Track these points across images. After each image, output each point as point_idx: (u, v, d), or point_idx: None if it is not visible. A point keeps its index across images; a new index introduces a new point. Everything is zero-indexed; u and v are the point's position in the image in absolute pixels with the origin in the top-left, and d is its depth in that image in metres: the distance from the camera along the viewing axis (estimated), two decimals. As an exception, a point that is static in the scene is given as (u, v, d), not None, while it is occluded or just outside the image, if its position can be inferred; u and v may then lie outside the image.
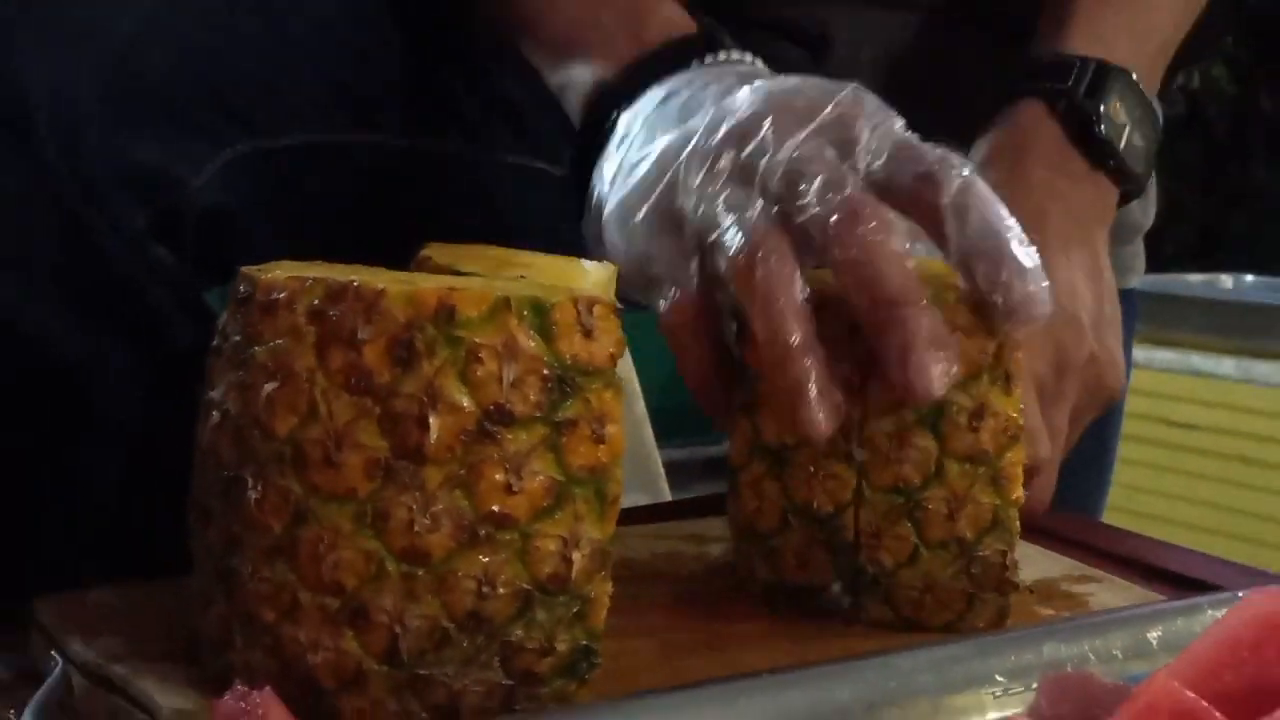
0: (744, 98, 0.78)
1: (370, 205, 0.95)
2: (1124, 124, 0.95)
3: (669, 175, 0.77)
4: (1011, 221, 0.73)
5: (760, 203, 0.74)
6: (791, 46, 1.06)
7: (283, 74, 0.91)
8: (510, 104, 1.01)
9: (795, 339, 0.71)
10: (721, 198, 0.75)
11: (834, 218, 0.72)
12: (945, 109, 1.03)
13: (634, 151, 0.81)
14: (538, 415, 0.62)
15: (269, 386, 0.62)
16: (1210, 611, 0.61)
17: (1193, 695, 0.48)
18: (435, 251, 0.76)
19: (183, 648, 0.66)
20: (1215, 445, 3.18)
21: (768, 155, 0.74)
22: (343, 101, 0.94)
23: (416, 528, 0.61)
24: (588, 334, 0.64)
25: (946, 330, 0.72)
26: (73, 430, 0.85)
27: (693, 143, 0.77)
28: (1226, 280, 3.47)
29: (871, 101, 0.77)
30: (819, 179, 0.73)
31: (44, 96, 0.80)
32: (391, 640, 0.62)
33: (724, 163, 0.76)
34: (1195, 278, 3.48)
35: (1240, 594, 0.54)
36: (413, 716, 0.62)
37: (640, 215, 0.79)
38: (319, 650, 0.62)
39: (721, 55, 0.85)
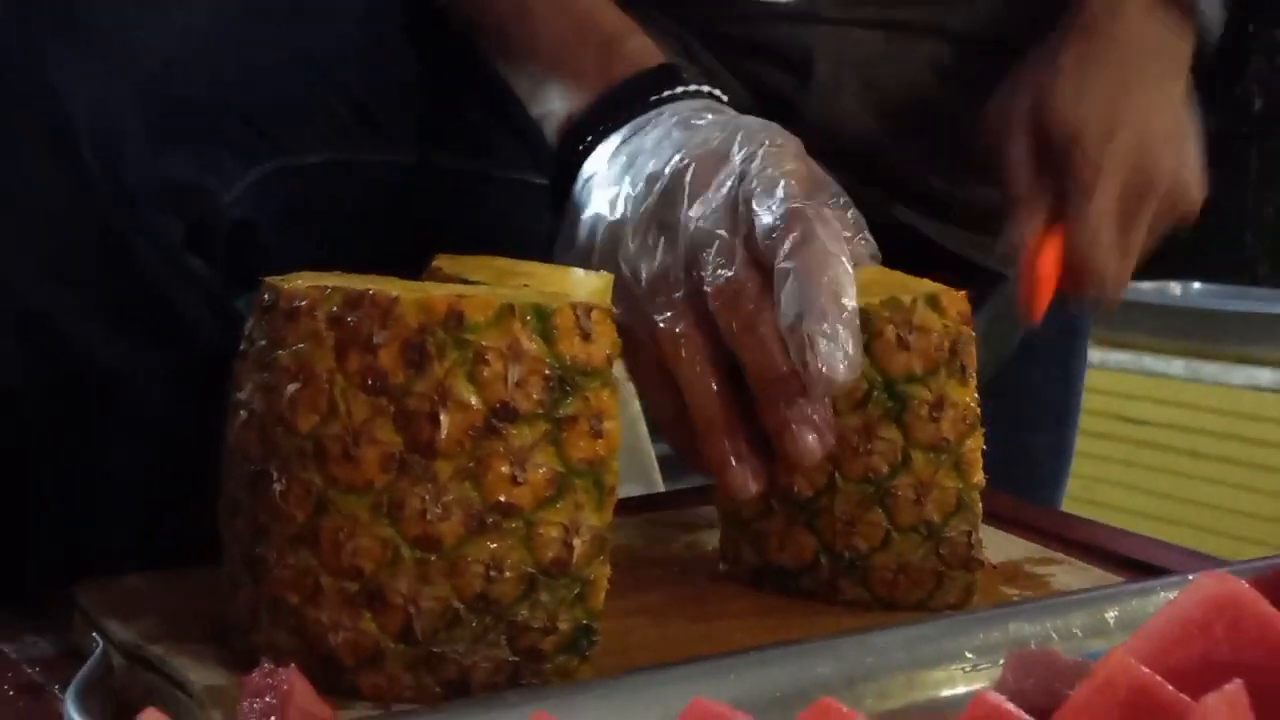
0: (672, 153, 0.78)
1: (385, 218, 0.96)
2: None
3: (612, 241, 0.79)
4: (824, 288, 0.70)
5: (679, 277, 0.75)
6: (775, 70, 1.06)
7: (307, 96, 0.91)
8: (514, 120, 1.01)
9: (712, 418, 0.73)
10: (646, 270, 0.77)
11: (719, 297, 0.73)
12: (925, 127, 1.03)
13: (589, 206, 0.81)
14: (540, 412, 0.62)
15: (292, 387, 0.62)
16: (1163, 593, 0.61)
17: (1147, 670, 0.48)
18: (445, 262, 0.76)
19: (213, 629, 0.66)
20: (1166, 440, 3.18)
21: (680, 225, 0.75)
22: (362, 121, 0.94)
23: (429, 516, 0.61)
24: (586, 337, 0.64)
25: (820, 405, 0.72)
26: (110, 427, 0.85)
27: (627, 214, 0.78)
28: (1175, 287, 3.47)
29: (770, 150, 0.76)
30: (713, 250, 0.74)
31: (86, 116, 0.80)
32: (406, 621, 0.62)
33: (650, 236, 0.77)
34: (1147, 284, 3.47)
35: (1190, 577, 0.55)
36: (426, 690, 0.63)
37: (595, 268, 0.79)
38: (339, 630, 0.62)
39: (679, 89, 0.84)
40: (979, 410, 0.76)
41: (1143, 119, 0.92)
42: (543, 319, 0.63)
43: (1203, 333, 3.19)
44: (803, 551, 0.77)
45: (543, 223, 1.00)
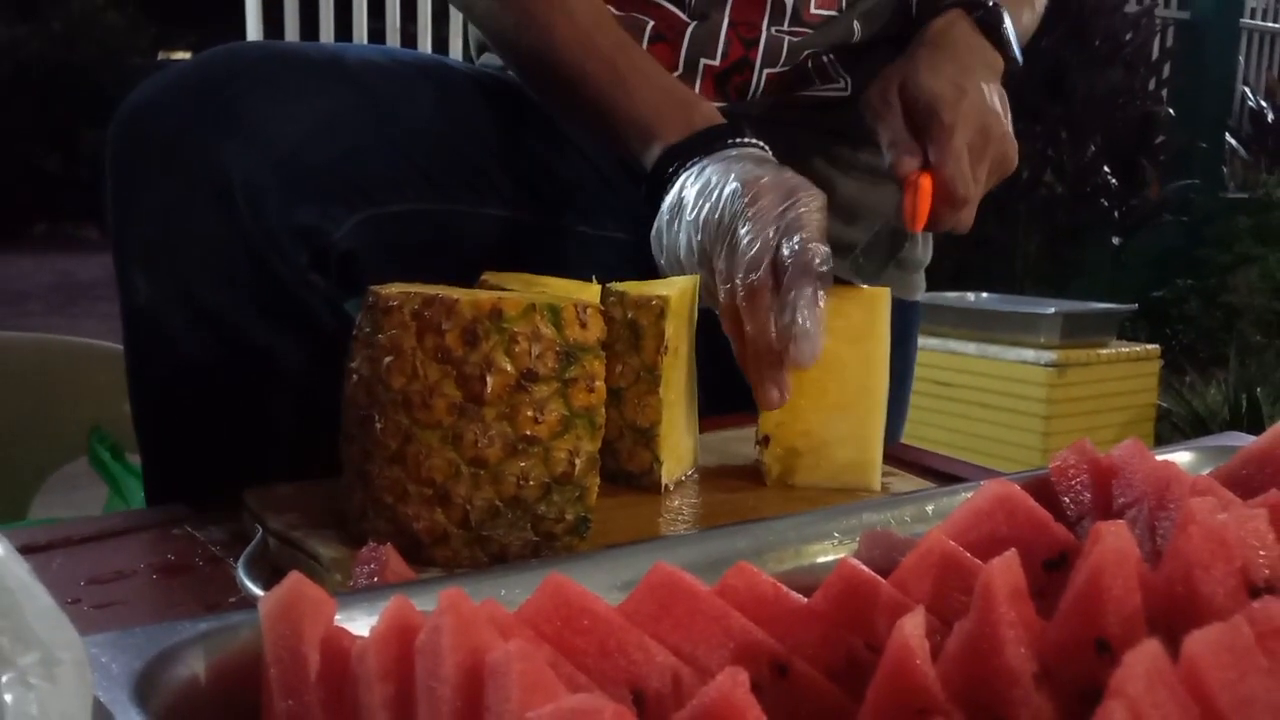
0: (738, 182, 0.78)
1: (447, 247, 0.95)
2: (1008, 31, 0.97)
3: (699, 235, 0.79)
4: (803, 308, 0.73)
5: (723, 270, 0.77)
6: None
7: (393, 163, 0.90)
8: (531, 177, 1.00)
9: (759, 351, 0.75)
10: (691, 258, 0.80)
11: (746, 290, 0.75)
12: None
13: (684, 209, 0.81)
14: (553, 375, 0.62)
15: (387, 359, 0.62)
16: (963, 494, 0.61)
17: (954, 544, 0.48)
18: (490, 276, 0.76)
19: (336, 520, 0.66)
20: (965, 396, 3.21)
21: (737, 238, 0.76)
22: (430, 183, 0.93)
23: (479, 444, 0.61)
24: (583, 325, 0.64)
25: (785, 373, 0.76)
26: (264, 388, 0.85)
27: (713, 215, 0.78)
28: (970, 295, 3.49)
29: (804, 199, 0.77)
30: (750, 258, 0.75)
31: (241, 182, 0.79)
32: (465, 514, 0.62)
33: (706, 235, 0.78)
34: (952, 294, 3.49)
35: (980, 483, 0.55)
36: (478, 560, 0.63)
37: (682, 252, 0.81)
38: (420, 520, 0.62)
39: (741, 139, 0.84)
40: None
41: (979, 93, 0.90)
42: (555, 313, 0.62)
43: (988, 326, 3.22)
44: (642, 463, 0.77)
45: (556, 252, 1.00)
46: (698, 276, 0.80)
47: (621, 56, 0.88)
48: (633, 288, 0.77)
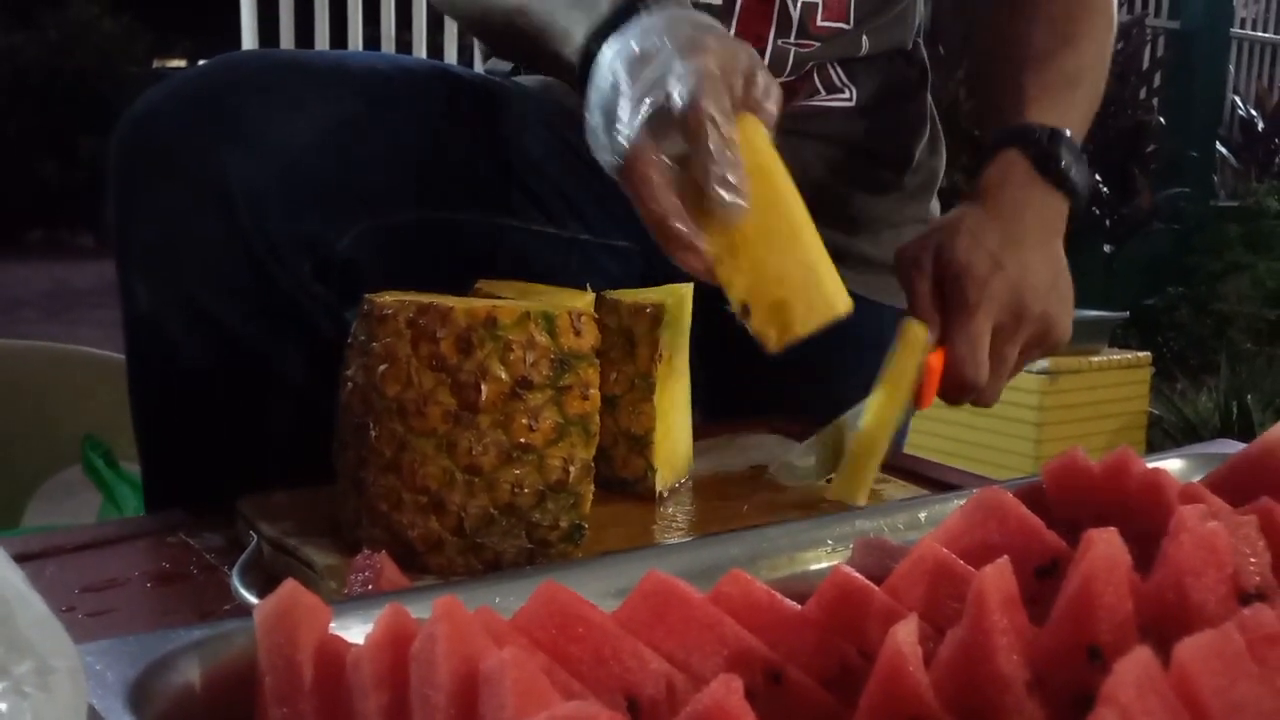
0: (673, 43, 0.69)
1: (448, 256, 0.95)
2: (1069, 162, 0.90)
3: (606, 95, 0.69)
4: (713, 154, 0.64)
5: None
6: None
7: (396, 172, 0.90)
8: (535, 185, 1.00)
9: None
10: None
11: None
12: (819, 205, 0.96)
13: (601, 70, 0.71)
14: (547, 383, 0.62)
15: (382, 366, 0.62)
16: (955, 501, 0.62)
17: (946, 551, 0.48)
18: (484, 284, 0.76)
19: (331, 528, 0.66)
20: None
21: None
22: (431, 192, 0.93)
23: (474, 452, 0.61)
24: (578, 333, 0.64)
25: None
26: (264, 395, 0.85)
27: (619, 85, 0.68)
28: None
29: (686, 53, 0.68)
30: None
31: (243, 190, 0.79)
32: (459, 521, 0.62)
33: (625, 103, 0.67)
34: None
35: (973, 490, 0.55)
36: (472, 568, 0.63)
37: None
38: (414, 528, 0.62)
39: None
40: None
41: (1020, 268, 0.84)
42: (549, 321, 0.62)
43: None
44: (636, 470, 0.77)
45: (545, 258, 1.00)
46: (692, 285, 0.77)
47: None
48: (627, 295, 0.77)
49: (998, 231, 0.86)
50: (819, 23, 1.01)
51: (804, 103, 1.05)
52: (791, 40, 1.01)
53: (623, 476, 0.78)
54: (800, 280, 0.69)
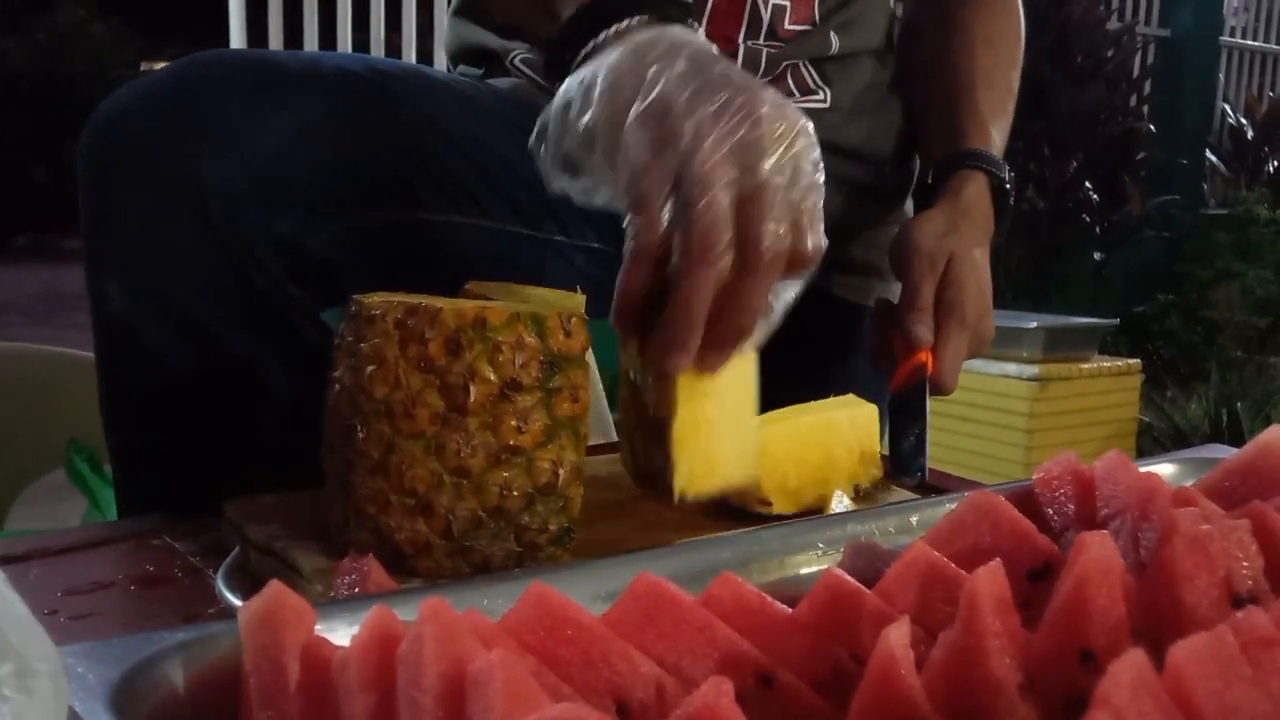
0: (688, 63, 0.63)
1: (425, 258, 0.95)
2: (1011, 194, 1.01)
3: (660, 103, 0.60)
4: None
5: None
6: None
7: (370, 173, 0.90)
8: (509, 186, 1.00)
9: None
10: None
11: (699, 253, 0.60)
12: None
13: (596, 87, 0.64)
14: (537, 385, 0.62)
15: (370, 368, 0.61)
16: (947, 505, 0.61)
17: (937, 554, 0.48)
18: (474, 286, 0.75)
19: (318, 531, 0.66)
20: (948, 409, 3.21)
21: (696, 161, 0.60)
22: (407, 193, 0.93)
23: (462, 454, 0.60)
24: (568, 335, 0.63)
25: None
26: (245, 398, 0.84)
27: (644, 101, 0.61)
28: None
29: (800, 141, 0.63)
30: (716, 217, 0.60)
31: (219, 192, 0.79)
32: (447, 524, 0.61)
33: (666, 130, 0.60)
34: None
35: (964, 494, 0.55)
36: (460, 571, 0.62)
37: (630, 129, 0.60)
38: (402, 531, 0.61)
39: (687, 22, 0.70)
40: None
41: (990, 290, 0.94)
42: (539, 323, 0.62)
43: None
44: (654, 462, 0.67)
45: (526, 260, 0.99)
46: None
47: None
48: None
49: (983, 254, 0.95)
50: (786, 25, 1.02)
51: None
52: (761, 42, 1.01)
53: (646, 469, 0.68)
54: (721, 449, 0.66)
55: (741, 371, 0.66)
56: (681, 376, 0.62)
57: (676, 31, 0.67)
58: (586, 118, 0.63)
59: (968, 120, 1.03)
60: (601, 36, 0.67)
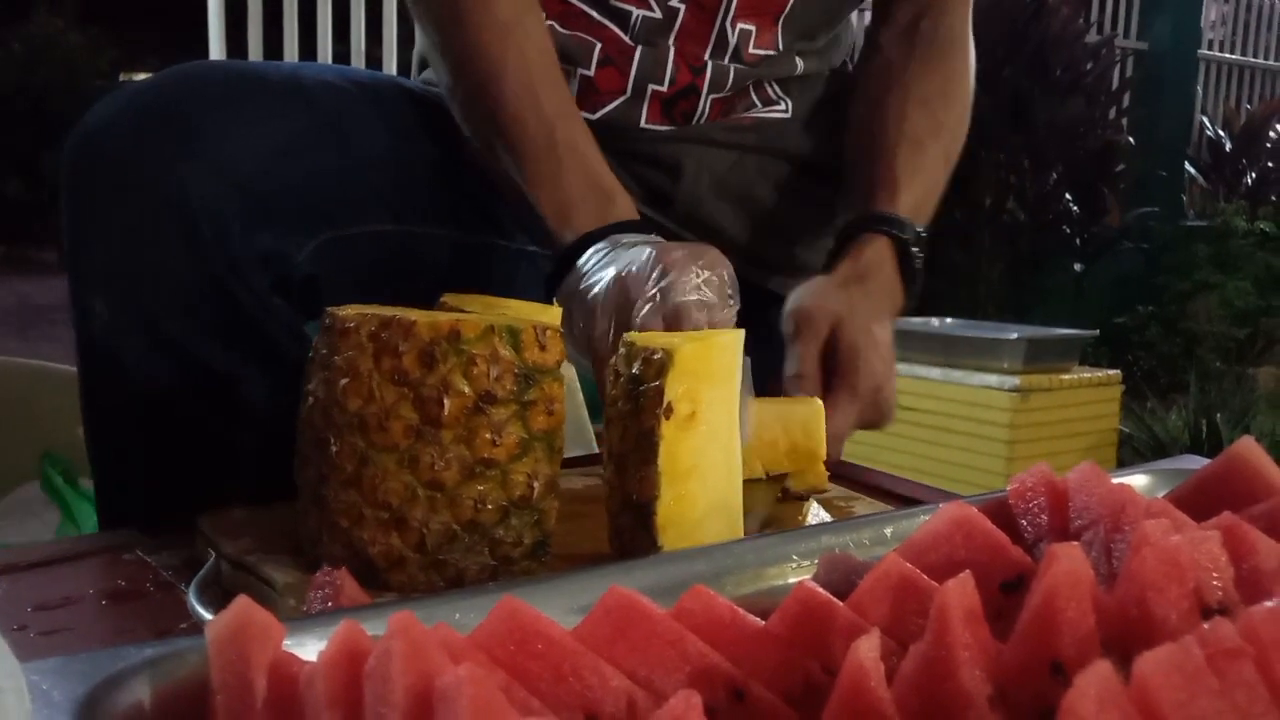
0: (650, 249, 0.78)
1: (405, 269, 0.95)
2: (921, 265, 0.97)
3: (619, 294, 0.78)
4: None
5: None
6: (656, 171, 1.06)
7: (352, 186, 0.90)
8: (483, 198, 1.01)
9: None
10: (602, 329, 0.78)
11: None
12: (758, 216, 1.02)
13: (592, 274, 0.81)
14: (512, 398, 0.62)
15: (344, 381, 0.61)
16: (921, 516, 0.61)
17: (911, 566, 0.48)
18: (449, 298, 0.75)
19: (290, 544, 0.65)
20: (927, 420, 3.22)
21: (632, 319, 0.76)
22: (388, 205, 0.93)
23: (436, 467, 0.60)
24: (543, 348, 0.63)
25: None
26: (223, 413, 0.84)
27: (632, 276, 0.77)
28: (935, 320, 3.51)
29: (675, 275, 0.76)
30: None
31: (202, 206, 0.79)
32: (421, 538, 0.61)
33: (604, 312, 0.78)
34: (916, 319, 3.52)
35: (939, 505, 0.55)
36: (434, 585, 0.62)
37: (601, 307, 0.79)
38: (376, 544, 0.61)
39: (645, 236, 0.83)
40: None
41: (893, 359, 0.91)
42: (514, 335, 0.62)
43: (952, 351, 3.24)
44: (641, 547, 0.67)
45: (507, 273, 1.00)
46: (743, 331, 0.70)
47: (561, 126, 0.86)
48: (642, 338, 0.67)
49: (882, 321, 0.92)
50: (750, 50, 1.03)
51: (741, 115, 1.06)
52: (726, 63, 1.02)
53: (631, 549, 0.66)
54: (703, 512, 0.66)
55: (724, 444, 0.67)
56: (663, 458, 0.64)
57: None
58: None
59: (879, 183, 1.00)
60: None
